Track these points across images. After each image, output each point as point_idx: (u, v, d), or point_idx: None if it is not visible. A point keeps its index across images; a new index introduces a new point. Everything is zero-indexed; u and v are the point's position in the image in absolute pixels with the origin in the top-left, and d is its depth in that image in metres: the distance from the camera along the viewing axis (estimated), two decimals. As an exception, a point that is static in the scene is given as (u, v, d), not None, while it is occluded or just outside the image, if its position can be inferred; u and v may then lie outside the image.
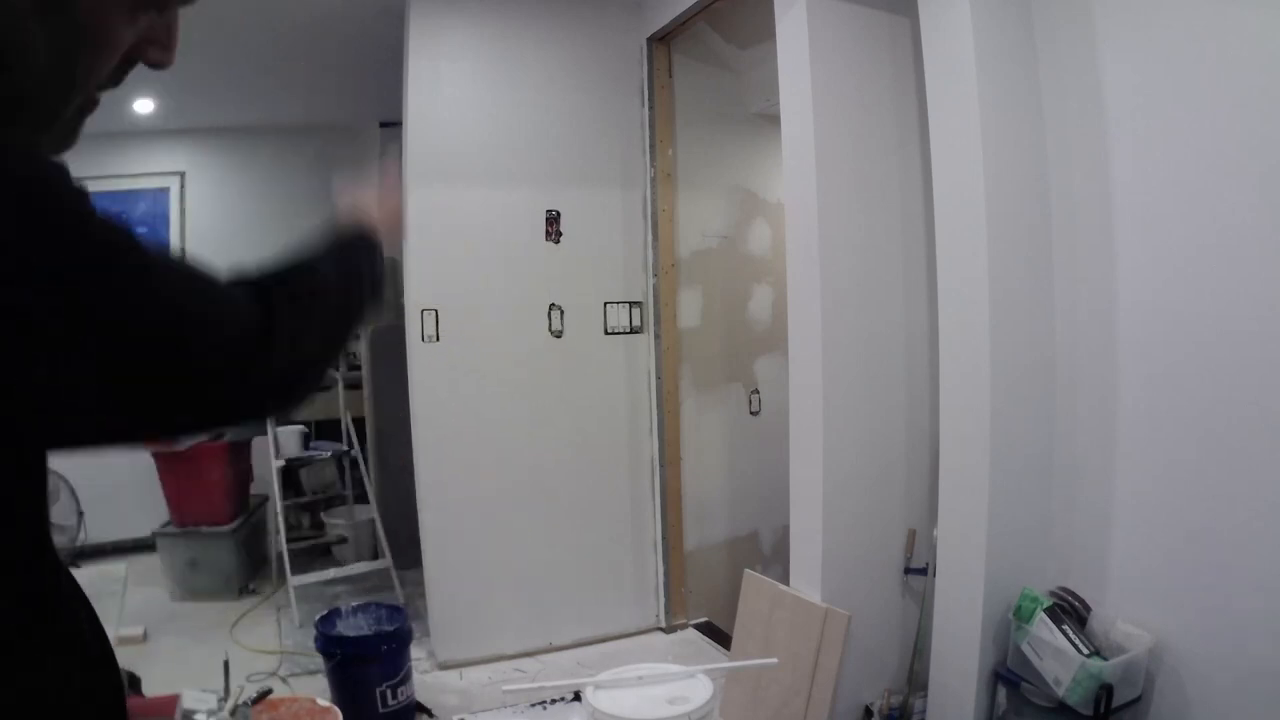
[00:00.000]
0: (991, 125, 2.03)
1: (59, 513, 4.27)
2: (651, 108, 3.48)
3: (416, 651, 3.23)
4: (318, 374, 0.73)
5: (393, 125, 4.42)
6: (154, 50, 0.63)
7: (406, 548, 3.95)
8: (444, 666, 3.25)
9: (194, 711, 2.29)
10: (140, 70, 0.64)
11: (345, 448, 4.18)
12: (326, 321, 0.74)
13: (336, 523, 4.41)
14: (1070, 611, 1.97)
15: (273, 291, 0.66)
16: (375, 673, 2.64)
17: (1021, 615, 1.99)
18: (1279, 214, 1.65)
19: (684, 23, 3.24)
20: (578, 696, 1.31)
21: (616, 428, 3.53)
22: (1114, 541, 2.01)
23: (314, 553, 4.37)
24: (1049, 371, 2.14)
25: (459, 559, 3.29)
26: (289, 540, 3.85)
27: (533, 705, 1.37)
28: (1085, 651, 1.85)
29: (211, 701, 2.34)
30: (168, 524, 4.07)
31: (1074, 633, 1.90)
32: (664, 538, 3.58)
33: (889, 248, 2.50)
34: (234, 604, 3.95)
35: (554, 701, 1.36)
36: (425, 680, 3.11)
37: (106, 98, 0.63)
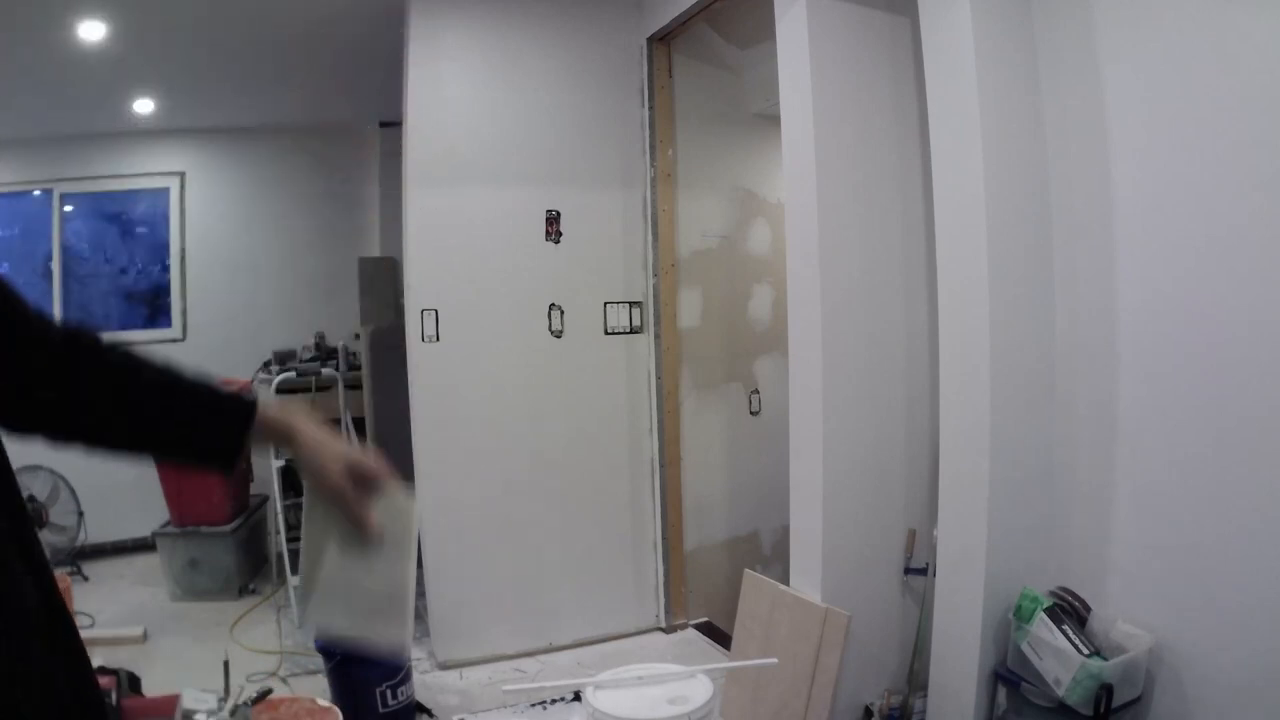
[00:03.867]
0: (991, 125, 2.02)
1: (59, 513, 4.28)
2: (651, 108, 3.48)
3: (416, 651, 3.23)
4: (62, 432, 0.78)
5: (393, 125, 4.42)
6: None
7: (406, 548, 3.94)
8: (444, 666, 3.25)
9: (194, 711, 2.29)
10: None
11: (345, 448, 4.17)
12: (105, 414, 0.77)
13: (336, 523, 4.40)
14: (1070, 611, 1.97)
15: (80, 348, 0.74)
16: (375, 673, 2.64)
17: (1021, 615, 1.99)
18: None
19: (684, 23, 3.24)
20: (578, 696, 1.31)
21: (616, 428, 3.53)
22: (1114, 541, 2.01)
23: (314, 553, 4.37)
24: (1049, 371, 2.14)
25: (459, 559, 3.29)
26: (289, 540, 3.84)
27: (533, 705, 1.37)
28: (1085, 651, 1.85)
29: (211, 701, 2.35)
30: (168, 524, 4.07)
31: (1074, 633, 1.90)
32: (664, 538, 3.58)
33: (889, 248, 2.50)
34: (234, 604, 3.95)
35: (554, 701, 1.36)
36: (425, 680, 3.11)
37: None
